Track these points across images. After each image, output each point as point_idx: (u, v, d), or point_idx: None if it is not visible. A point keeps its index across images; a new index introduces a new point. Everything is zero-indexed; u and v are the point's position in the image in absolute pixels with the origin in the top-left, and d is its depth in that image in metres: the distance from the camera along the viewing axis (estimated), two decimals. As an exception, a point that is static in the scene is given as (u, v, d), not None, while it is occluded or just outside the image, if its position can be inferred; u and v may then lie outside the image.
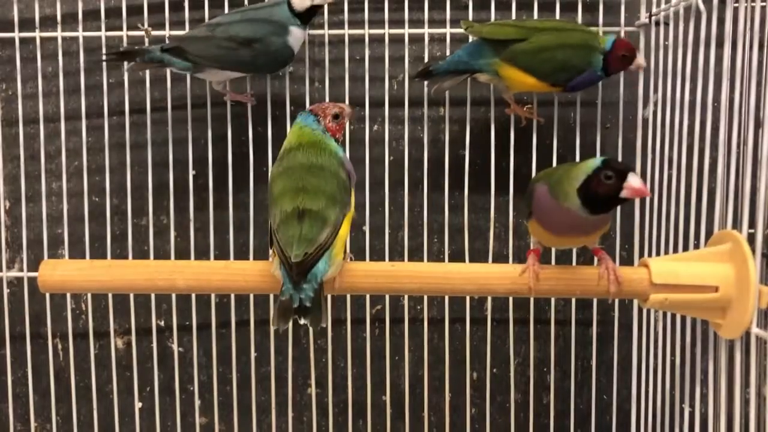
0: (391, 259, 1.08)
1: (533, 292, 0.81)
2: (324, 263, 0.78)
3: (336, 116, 0.88)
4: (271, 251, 0.82)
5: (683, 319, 0.88)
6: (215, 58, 0.95)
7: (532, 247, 0.85)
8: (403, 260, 1.08)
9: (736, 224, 0.78)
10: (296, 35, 0.98)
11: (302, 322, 0.76)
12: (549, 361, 1.10)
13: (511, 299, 1.09)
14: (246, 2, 1.05)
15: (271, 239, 0.80)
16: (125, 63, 1.00)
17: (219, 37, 0.94)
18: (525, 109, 1.05)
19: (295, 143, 0.85)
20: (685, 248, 0.87)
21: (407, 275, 0.82)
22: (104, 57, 1.00)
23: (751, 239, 0.75)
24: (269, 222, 0.82)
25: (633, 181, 0.71)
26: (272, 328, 1.09)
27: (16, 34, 1.04)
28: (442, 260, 1.09)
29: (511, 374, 1.11)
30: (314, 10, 0.98)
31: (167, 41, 1.04)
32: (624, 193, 0.71)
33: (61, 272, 0.83)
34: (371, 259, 1.08)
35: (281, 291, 0.77)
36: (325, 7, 1.05)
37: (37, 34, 1.05)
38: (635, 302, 1.01)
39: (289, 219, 0.79)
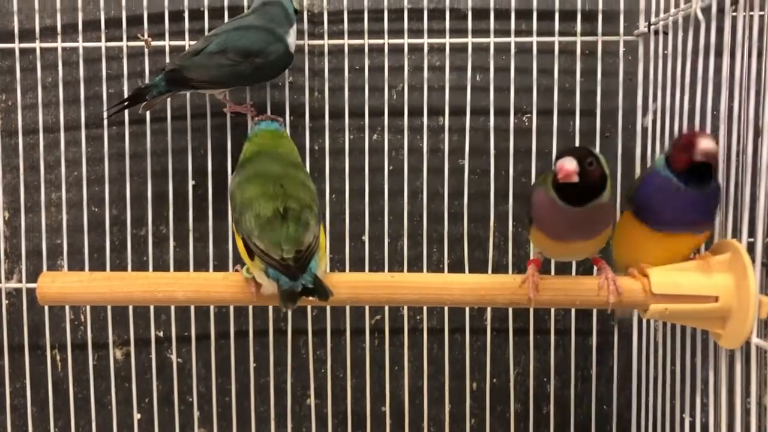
0: (390, 269, 1.08)
1: (533, 302, 0.81)
2: (314, 263, 0.79)
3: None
4: (239, 268, 0.83)
5: (683, 328, 0.88)
6: (218, 80, 0.96)
7: (532, 257, 0.85)
8: (402, 270, 1.08)
9: (736, 233, 0.78)
10: (293, 34, 0.99)
11: (311, 298, 0.76)
12: (549, 370, 1.09)
13: (510, 309, 1.08)
14: (245, 6, 1.05)
15: (246, 248, 0.80)
16: (140, 106, 0.99)
17: (217, 55, 0.95)
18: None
19: (256, 151, 0.86)
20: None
21: (406, 286, 0.82)
22: (113, 109, 0.99)
23: (751, 248, 0.75)
24: (235, 230, 0.82)
25: (560, 165, 0.71)
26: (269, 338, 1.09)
27: (17, 45, 1.04)
28: (442, 270, 1.09)
29: (510, 384, 1.10)
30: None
31: (167, 51, 1.04)
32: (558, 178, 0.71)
33: (60, 284, 0.83)
34: (371, 269, 1.08)
35: (279, 285, 0.77)
36: (325, 16, 1.05)
37: (38, 45, 1.05)
38: (635, 312, 1.01)
39: (271, 222, 0.79)
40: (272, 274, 0.78)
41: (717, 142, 0.74)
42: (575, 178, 0.70)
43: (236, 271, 0.85)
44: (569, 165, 0.70)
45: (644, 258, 0.81)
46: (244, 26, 0.97)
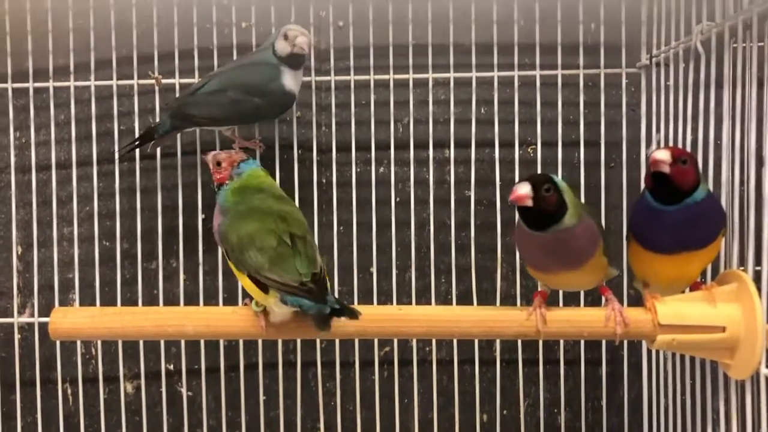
0: (398, 300, 1.08)
1: (542, 335, 0.81)
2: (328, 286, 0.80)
3: (219, 164, 0.89)
4: (248, 302, 0.84)
5: (693, 358, 0.88)
6: (219, 118, 0.99)
7: (539, 289, 0.85)
8: (411, 301, 1.08)
9: (742, 263, 0.78)
10: (291, 77, 0.98)
11: (342, 319, 0.78)
12: (559, 401, 1.09)
13: (519, 340, 1.08)
14: (254, 44, 1.07)
15: (256, 282, 0.80)
16: (149, 145, 1.03)
17: (218, 93, 0.97)
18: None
19: (241, 190, 0.87)
20: (691, 290, 0.87)
21: (415, 319, 0.82)
22: (125, 149, 1.04)
23: (758, 277, 0.75)
24: (235, 269, 0.83)
25: (513, 189, 0.74)
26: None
27: (30, 84, 1.07)
28: (450, 301, 1.09)
29: (521, 416, 1.09)
30: (298, 57, 0.97)
31: (177, 88, 1.06)
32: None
33: (71, 320, 0.84)
34: (379, 301, 1.08)
35: (305, 310, 0.78)
36: (331, 52, 1.07)
37: (51, 84, 1.07)
38: (644, 341, 1.01)
39: (279, 252, 0.80)
40: (291, 300, 0.78)
41: (681, 154, 0.75)
42: (528, 202, 0.73)
43: (245, 305, 0.86)
44: (521, 190, 0.73)
45: (655, 280, 0.83)
46: (242, 66, 1.00)
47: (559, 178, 0.77)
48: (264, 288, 0.80)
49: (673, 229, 0.77)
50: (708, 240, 0.78)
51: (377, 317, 0.83)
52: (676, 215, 0.76)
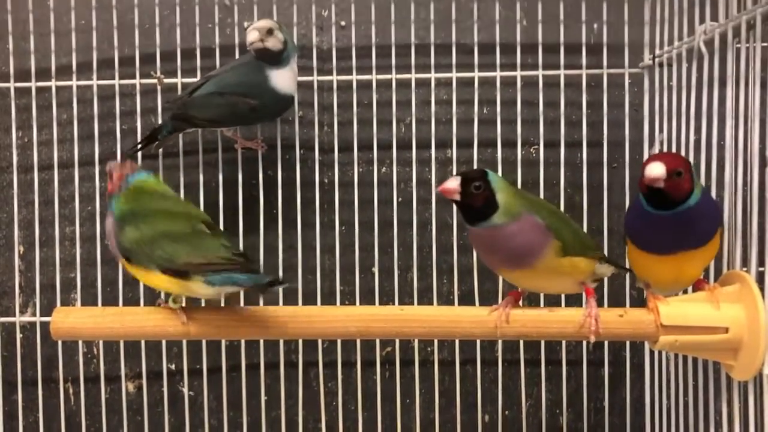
0: (400, 301, 1.08)
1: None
2: None
3: (110, 175, 0.87)
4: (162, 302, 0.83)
5: (695, 359, 0.88)
6: (218, 119, 0.98)
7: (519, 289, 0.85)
8: (413, 301, 1.08)
9: (745, 263, 0.78)
10: (279, 76, 0.97)
11: (281, 287, 0.76)
12: (561, 402, 1.09)
13: (522, 340, 1.08)
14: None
15: (175, 273, 0.78)
16: (152, 146, 1.03)
17: (215, 95, 0.97)
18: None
19: (137, 197, 0.85)
20: (695, 289, 0.87)
21: (416, 320, 0.82)
22: (129, 152, 1.05)
23: (761, 278, 0.74)
24: (143, 274, 0.81)
25: (443, 183, 0.76)
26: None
27: (33, 84, 1.07)
28: (452, 301, 1.09)
29: (523, 416, 1.09)
30: (259, 52, 0.95)
31: (179, 88, 1.06)
32: None
33: (73, 320, 0.83)
34: (381, 301, 1.08)
35: (240, 284, 0.77)
36: (333, 52, 1.07)
37: (53, 83, 1.07)
38: (646, 342, 1.00)
39: (197, 235, 0.80)
40: (220, 280, 0.77)
41: (676, 167, 0.73)
42: (455, 196, 0.76)
43: (161, 305, 0.84)
44: (449, 183, 0.76)
45: (655, 279, 0.82)
46: (235, 66, 0.99)
47: (496, 175, 0.78)
48: (182, 275, 0.78)
49: (667, 232, 0.76)
50: (704, 239, 0.77)
51: (379, 317, 0.83)
52: (671, 219, 0.75)
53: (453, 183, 0.76)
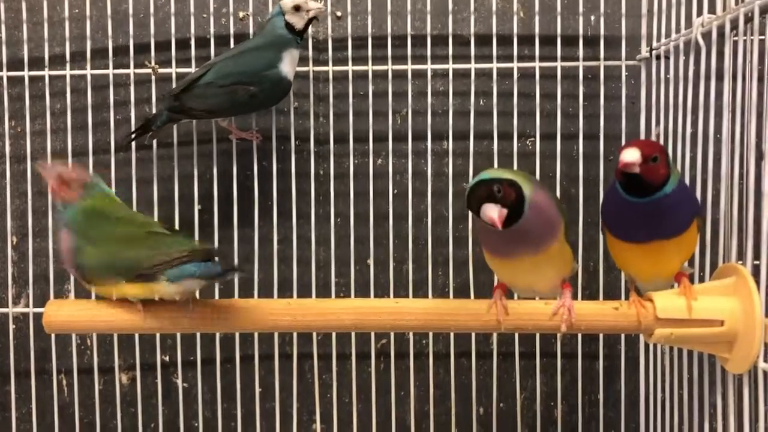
0: (396, 293, 1.08)
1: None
2: None
3: (65, 182, 0.83)
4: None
5: (690, 352, 0.88)
6: (216, 109, 0.98)
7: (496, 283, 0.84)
8: (407, 294, 1.08)
9: (741, 256, 0.78)
10: (290, 59, 0.98)
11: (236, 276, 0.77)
12: (556, 395, 1.09)
13: (516, 333, 1.08)
14: (251, 33, 1.07)
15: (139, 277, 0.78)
16: (146, 136, 1.02)
17: (213, 85, 0.96)
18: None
19: (89, 213, 0.83)
20: (690, 282, 0.86)
21: (411, 312, 0.82)
22: (123, 142, 1.05)
23: (756, 271, 0.74)
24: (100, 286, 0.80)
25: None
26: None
27: (26, 73, 1.06)
28: (447, 294, 1.09)
29: (517, 409, 1.09)
30: (308, 25, 0.99)
31: (174, 78, 1.05)
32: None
33: (66, 312, 0.83)
34: (376, 293, 1.08)
35: (197, 276, 0.77)
36: (329, 42, 1.06)
37: (47, 73, 1.06)
38: (641, 335, 1.01)
39: (153, 237, 0.79)
40: (178, 273, 0.76)
41: (651, 152, 0.72)
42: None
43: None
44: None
45: (634, 270, 0.82)
46: (238, 54, 0.98)
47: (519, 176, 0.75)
48: (149, 278, 0.77)
49: (642, 220, 0.76)
50: (678, 228, 0.76)
51: (374, 310, 0.82)
52: (646, 207, 0.75)
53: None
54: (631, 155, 0.72)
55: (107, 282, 0.79)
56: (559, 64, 1.05)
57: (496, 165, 1.06)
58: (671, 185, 0.74)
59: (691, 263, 0.85)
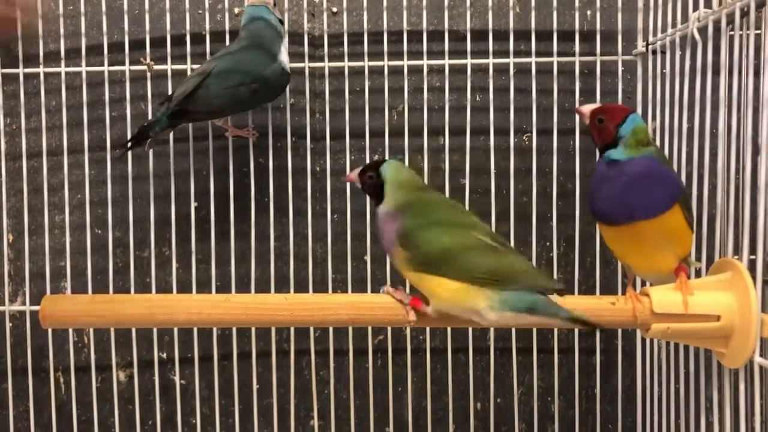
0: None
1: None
2: None
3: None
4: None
5: (686, 347, 0.88)
6: (218, 110, 0.96)
7: None
8: (405, 289, 1.07)
9: (737, 251, 0.78)
10: (285, 50, 0.99)
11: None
12: (553, 390, 1.09)
13: (513, 328, 1.08)
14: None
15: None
16: (145, 143, 0.99)
17: (214, 86, 0.95)
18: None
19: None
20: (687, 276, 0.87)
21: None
22: (119, 151, 1.04)
23: (753, 266, 0.74)
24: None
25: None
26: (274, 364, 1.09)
27: (21, 70, 1.06)
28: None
29: (515, 404, 1.09)
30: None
31: (169, 74, 1.05)
32: None
33: (62, 308, 0.82)
34: (373, 289, 1.07)
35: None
36: (325, 38, 1.06)
37: (42, 70, 1.06)
38: (638, 330, 1.01)
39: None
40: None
41: (600, 113, 0.79)
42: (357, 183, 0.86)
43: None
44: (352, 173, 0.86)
45: (630, 260, 0.82)
46: (236, 51, 0.97)
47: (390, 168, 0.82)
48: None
49: (612, 189, 0.76)
50: (655, 208, 0.76)
51: (370, 305, 0.82)
52: (609, 170, 0.77)
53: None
54: (586, 107, 0.81)
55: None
56: (555, 59, 1.05)
57: (493, 161, 1.06)
58: (625, 153, 0.76)
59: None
